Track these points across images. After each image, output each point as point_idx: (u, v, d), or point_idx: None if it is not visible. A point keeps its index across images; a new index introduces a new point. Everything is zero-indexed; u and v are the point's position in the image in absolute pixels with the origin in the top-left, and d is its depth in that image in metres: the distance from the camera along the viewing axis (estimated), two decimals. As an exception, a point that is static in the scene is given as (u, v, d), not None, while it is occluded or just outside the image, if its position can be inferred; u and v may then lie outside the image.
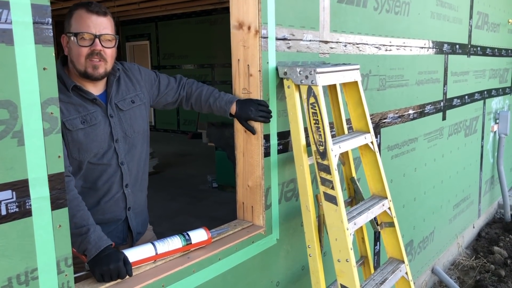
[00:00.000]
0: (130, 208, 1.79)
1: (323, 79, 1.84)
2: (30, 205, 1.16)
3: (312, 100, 1.82)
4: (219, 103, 1.89)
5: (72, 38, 1.56)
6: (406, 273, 2.12)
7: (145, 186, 1.88)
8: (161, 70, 10.85)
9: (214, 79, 10.06)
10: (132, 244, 1.85)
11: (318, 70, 1.80)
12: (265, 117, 1.87)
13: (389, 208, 2.11)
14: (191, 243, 1.68)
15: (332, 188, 1.78)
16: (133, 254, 1.52)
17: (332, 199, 1.79)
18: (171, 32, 10.70)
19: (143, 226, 1.92)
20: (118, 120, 1.71)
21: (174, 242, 1.63)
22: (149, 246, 1.58)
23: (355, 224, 1.86)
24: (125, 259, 1.46)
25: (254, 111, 1.85)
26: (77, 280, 1.42)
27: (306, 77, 1.82)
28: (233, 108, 1.88)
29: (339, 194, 1.77)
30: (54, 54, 1.18)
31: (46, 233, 1.20)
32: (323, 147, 1.80)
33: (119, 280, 1.45)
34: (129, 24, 11.40)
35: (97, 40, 1.57)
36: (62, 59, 1.66)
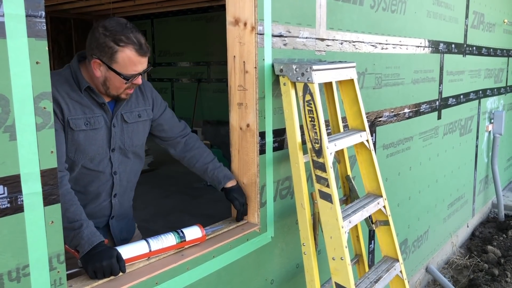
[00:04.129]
0: (113, 216, 1.80)
1: (319, 76, 1.83)
2: (22, 200, 1.14)
3: (308, 97, 1.81)
4: (217, 173, 1.93)
5: (118, 76, 1.56)
6: (401, 271, 2.12)
7: (131, 196, 1.89)
8: (156, 67, 10.81)
9: (210, 76, 10.04)
10: None
11: (314, 67, 1.80)
12: (243, 213, 1.94)
13: (384, 207, 2.10)
14: (185, 241, 1.67)
15: (327, 186, 1.78)
16: (126, 251, 1.51)
17: (327, 197, 1.79)
18: (167, 30, 10.66)
19: (128, 232, 1.92)
20: (120, 131, 1.71)
21: (168, 239, 1.62)
22: (142, 243, 1.57)
23: (350, 222, 1.86)
24: (118, 256, 1.45)
25: (244, 202, 1.92)
26: (69, 277, 1.41)
27: (302, 74, 1.81)
28: (230, 184, 1.92)
29: (334, 192, 1.77)
30: (47, 48, 1.16)
31: (38, 229, 1.18)
32: (318, 145, 1.79)
33: (112, 277, 1.44)
34: (125, 21, 11.33)
35: (139, 76, 1.61)
36: (79, 57, 1.65)
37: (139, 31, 1.59)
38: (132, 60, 1.55)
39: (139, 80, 1.63)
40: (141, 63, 1.59)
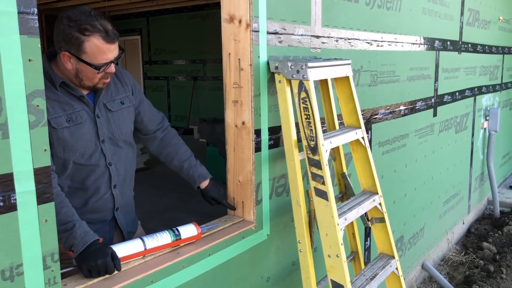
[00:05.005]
0: (118, 208, 1.78)
1: (314, 73, 1.83)
2: (15, 199, 1.13)
3: (303, 95, 1.81)
4: (192, 172, 1.94)
5: (90, 67, 1.53)
6: (397, 268, 2.13)
7: (132, 186, 1.87)
8: (152, 65, 10.78)
9: (205, 74, 10.02)
10: None
11: (310, 64, 1.79)
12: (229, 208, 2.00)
13: (380, 204, 2.11)
14: (180, 239, 1.66)
15: (323, 183, 1.78)
16: (121, 249, 1.50)
17: (323, 195, 1.78)
18: (163, 27, 10.62)
19: (133, 225, 1.91)
20: (106, 121, 1.68)
21: (164, 238, 1.62)
22: (138, 242, 1.56)
23: (345, 220, 1.86)
24: (113, 254, 1.44)
25: (222, 193, 1.98)
26: (64, 275, 1.40)
27: (298, 71, 1.81)
28: (204, 184, 1.96)
29: (330, 189, 1.77)
30: (40, 46, 1.15)
31: (32, 228, 1.17)
32: (314, 142, 1.79)
33: (107, 276, 1.44)
34: (120, 19, 11.29)
35: (112, 64, 1.58)
36: (48, 55, 1.61)
37: (105, 18, 1.55)
38: (100, 48, 1.52)
39: (112, 69, 1.59)
40: (111, 51, 1.55)
